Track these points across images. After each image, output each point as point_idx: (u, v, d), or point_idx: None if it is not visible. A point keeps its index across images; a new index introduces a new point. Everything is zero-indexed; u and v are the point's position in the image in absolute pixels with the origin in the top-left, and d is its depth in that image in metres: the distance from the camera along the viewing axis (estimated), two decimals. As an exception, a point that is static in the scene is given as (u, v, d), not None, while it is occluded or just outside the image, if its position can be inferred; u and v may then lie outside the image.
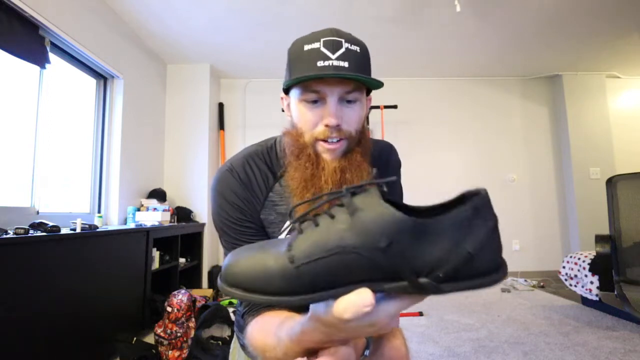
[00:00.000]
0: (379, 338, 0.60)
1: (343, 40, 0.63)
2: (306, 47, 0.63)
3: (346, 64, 0.61)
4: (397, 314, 0.37)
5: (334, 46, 0.62)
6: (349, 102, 0.65)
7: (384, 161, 0.81)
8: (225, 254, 0.73)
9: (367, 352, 0.52)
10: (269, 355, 0.53)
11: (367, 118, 3.94)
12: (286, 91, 0.71)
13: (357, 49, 0.64)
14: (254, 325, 0.61)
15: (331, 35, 0.63)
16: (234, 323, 0.83)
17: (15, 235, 1.45)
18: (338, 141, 0.65)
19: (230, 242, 0.71)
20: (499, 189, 4.08)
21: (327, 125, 0.64)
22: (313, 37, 0.64)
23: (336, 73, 0.60)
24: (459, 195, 0.35)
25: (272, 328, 0.53)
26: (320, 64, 0.61)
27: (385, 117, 3.71)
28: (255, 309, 0.65)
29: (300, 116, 0.67)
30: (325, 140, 0.65)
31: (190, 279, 3.32)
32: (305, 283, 0.34)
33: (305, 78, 0.61)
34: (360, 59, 0.64)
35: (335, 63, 0.61)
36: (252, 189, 0.71)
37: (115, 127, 2.82)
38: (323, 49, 0.62)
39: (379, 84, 0.64)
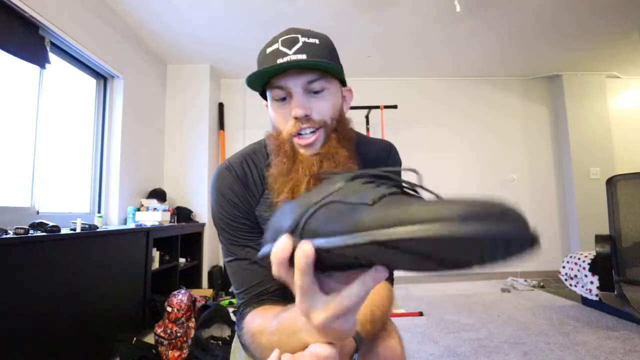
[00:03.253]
0: (374, 338, 0.60)
1: (299, 36, 0.65)
2: (268, 50, 0.66)
3: (304, 56, 0.63)
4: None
5: (291, 43, 0.65)
6: (316, 92, 0.66)
7: (382, 162, 0.82)
8: (223, 250, 0.74)
9: (356, 356, 0.51)
10: (266, 346, 0.54)
11: (367, 118, 3.91)
12: (265, 97, 0.73)
13: (316, 41, 0.66)
14: (253, 316, 0.63)
15: (288, 34, 0.66)
16: (234, 323, 0.84)
17: (15, 235, 1.45)
18: (313, 132, 0.66)
19: (227, 238, 0.72)
20: (499, 189, 4.08)
21: (296, 118, 0.65)
22: (273, 40, 0.67)
23: (286, 63, 0.61)
24: None
25: (269, 320, 0.54)
26: (279, 61, 0.63)
27: (385, 117, 3.70)
28: (255, 301, 0.67)
29: (274, 115, 0.69)
30: (299, 134, 0.66)
31: (190, 279, 3.32)
32: None
33: (259, 71, 0.63)
34: (320, 50, 0.66)
35: (293, 57, 0.63)
36: (248, 185, 0.73)
37: (115, 127, 2.82)
38: (281, 48, 0.64)
39: (332, 66, 0.64)
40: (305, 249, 0.33)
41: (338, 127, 0.69)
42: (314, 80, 0.65)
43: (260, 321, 0.58)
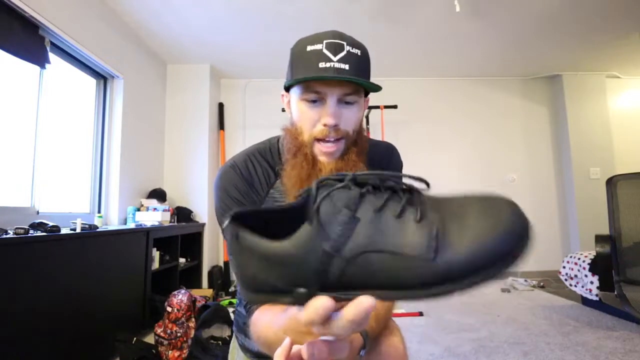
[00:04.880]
0: (377, 336, 0.61)
1: (345, 44, 0.65)
2: (309, 48, 0.65)
3: (347, 67, 0.63)
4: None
5: (336, 49, 0.64)
6: (347, 103, 0.67)
7: (385, 164, 0.82)
8: (228, 247, 0.74)
9: (362, 352, 0.52)
10: (273, 345, 0.54)
11: (367, 118, 3.92)
12: (287, 89, 0.73)
13: (358, 52, 0.66)
14: (260, 312, 0.63)
15: (334, 38, 0.65)
16: (234, 323, 0.84)
17: (15, 235, 1.45)
18: (335, 141, 0.67)
19: None
20: (499, 189, 4.08)
21: (325, 125, 0.65)
22: (316, 39, 0.66)
23: (337, 75, 0.62)
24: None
25: (278, 315, 0.54)
26: (322, 65, 0.63)
27: (385, 117, 3.70)
28: None
29: (300, 115, 0.68)
30: (323, 140, 0.67)
31: (190, 279, 3.31)
32: None
33: (307, 78, 0.63)
34: (361, 62, 0.66)
35: (337, 65, 0.63)
36: (253, 184, 0.73)
37: (115, 127, 2.82)
38: (325, 51, 0.64)
39: (377, 88, 0.66)
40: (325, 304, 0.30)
41: (357, 139, 0.70)
42: (350, 93, 0.65)
43: (269, 317, 0.58)
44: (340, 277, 0.31)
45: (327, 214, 0.30)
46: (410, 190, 0.34)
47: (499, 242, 0.29)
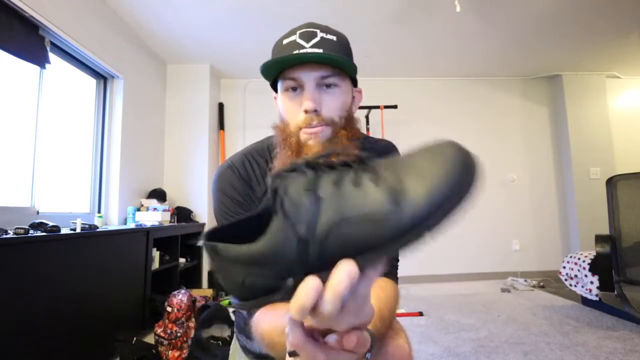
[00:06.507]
0: (383, 337, 0.60)
1: (318, 31, 0.66)
2: (284, 41, 0.66)
3: (320, 51, 0.63)
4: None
5: (309, 36, 0.65)
6: (327, 86, 0.66)
7: None
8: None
9: (369, 355, 0.52)
10: (278, 346, 0.54)
11: (367, 118, 3.90)
12: (276, 90, 0.73)
13: (334, 37, 0.66)
14: (261, 314, 0.63)
15: (307, 28, 0.66)
16: (234, 323, 0.83)
17: (15, 235, 1.45)
18: (320, 127, 0.66)
19: None
20: (499, 189, 4.08)
21: (306, 111, 0.64)
22: (290, 32, 0.67)
23: (304, 54, 0.61)
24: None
25: (277, 318, 0.54)
26: (295, 52, 0.63)
27: (385, 117, 3.70)
28: None
29: (283, 107, 0.69)
30: (307, 128, 0.66)
31: (190, 279, 3.32)
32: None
33: (276, 60, 0.63)
34: (337, 47, 0.66)
35: (310, 51, 0.63)
36: (251, 184, 0.73)
37: (115, 127, 2.82)
38: (298, 40, 0.65)
39: (350, 64, 0.65)
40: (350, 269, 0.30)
41: (347, 126, 0.69)
42: (328, 76, 0.65)
43: (271, 319, 0.58)
44: (321, 258, 0.31)
45: (291, 201, 0.31)
46: (360, 160, 0.35)
47: (449, 175, 0.30)
